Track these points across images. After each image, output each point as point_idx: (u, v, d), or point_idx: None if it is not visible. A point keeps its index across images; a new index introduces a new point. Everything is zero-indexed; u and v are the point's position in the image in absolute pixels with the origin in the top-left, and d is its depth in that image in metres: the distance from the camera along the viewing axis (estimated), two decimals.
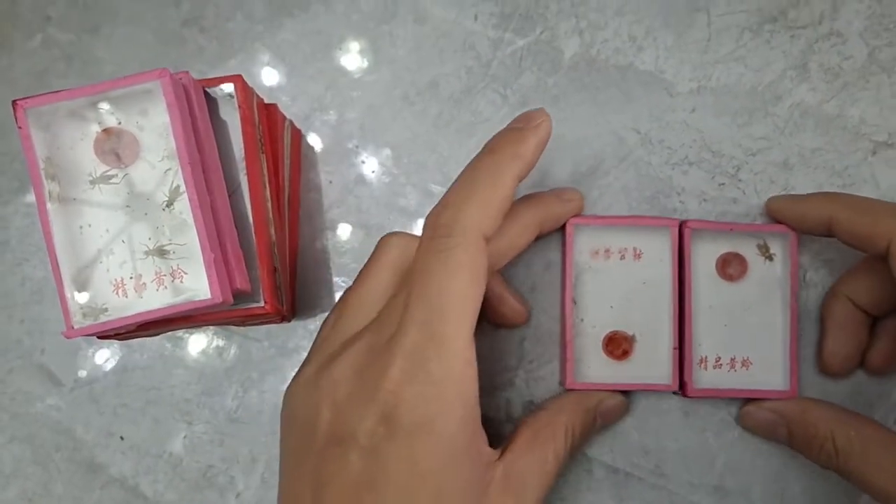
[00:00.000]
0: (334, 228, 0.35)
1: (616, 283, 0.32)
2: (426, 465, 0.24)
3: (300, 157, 0.34)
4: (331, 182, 0.35)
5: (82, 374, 0.35)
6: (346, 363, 0.25)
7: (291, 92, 0.35)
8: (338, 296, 0.35)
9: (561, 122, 0.35)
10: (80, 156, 0.26)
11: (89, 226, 0.26)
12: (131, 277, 0.26)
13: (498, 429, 0.34)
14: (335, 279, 0.35)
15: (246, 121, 0.27)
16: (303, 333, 0.35)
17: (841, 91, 0.34)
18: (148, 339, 0.34)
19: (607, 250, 0.33)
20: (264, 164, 0.28)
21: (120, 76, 0.34)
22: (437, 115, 0.35)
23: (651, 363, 0.32)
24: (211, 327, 0.35)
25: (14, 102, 0.25)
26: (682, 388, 0.32)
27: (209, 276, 0.24)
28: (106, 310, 0.25)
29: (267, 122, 0.29)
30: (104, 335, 0.27)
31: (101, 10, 0.35)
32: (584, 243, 0.33)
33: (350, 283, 0.29)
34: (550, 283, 0.34)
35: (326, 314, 0.34)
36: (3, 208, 0.35)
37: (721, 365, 0.32)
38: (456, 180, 0.26)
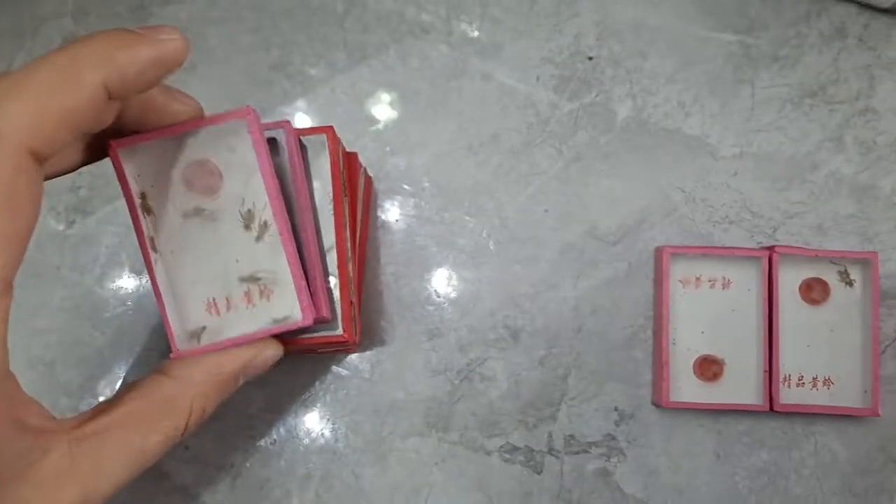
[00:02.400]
0: (398, 265, 0.38)
1: (706, 310, 0.35)
2: None
3: (370, 199, 0.37)
4: (397, 221, 0.38)
5: None
6: None
7: (366, 138, 0.38)
8: (399, 326, 0.37)
9: (612, 177, 0.37)
10: (171, 190, 0.27)
11: (184, 257, 0.27)
12: (225, 298, 0.28)
13: (540, 460, 0.36)
14: (393, 312, 0.37)
15: (335, 167, 0.30)
16: (359, 361, 0.37)
17: (874, 164, 0.37)
18: None
19: (698, 278, 0.35)
20: (346, 207, 0.31)
21: (210, 112, 0.38)
22: (498, 165, 0.38)
23: (740, 385, 0.35)
24: None
25: (108, 143, 0.26)
26: (770, 404, 0.34)
27: (301, 300, 0.27)
28: (204, 328, 0.28)
29: (348, 168, 0.32)
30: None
31: (200, 50, 0.39)
32: (677, 271, 0.35)
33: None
34: (596, 324, 0.37)
35: (385, 344, 0.37)
36: (96, 227, 0.38)
37: (804, 384, 0.35)
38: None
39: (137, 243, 0.27)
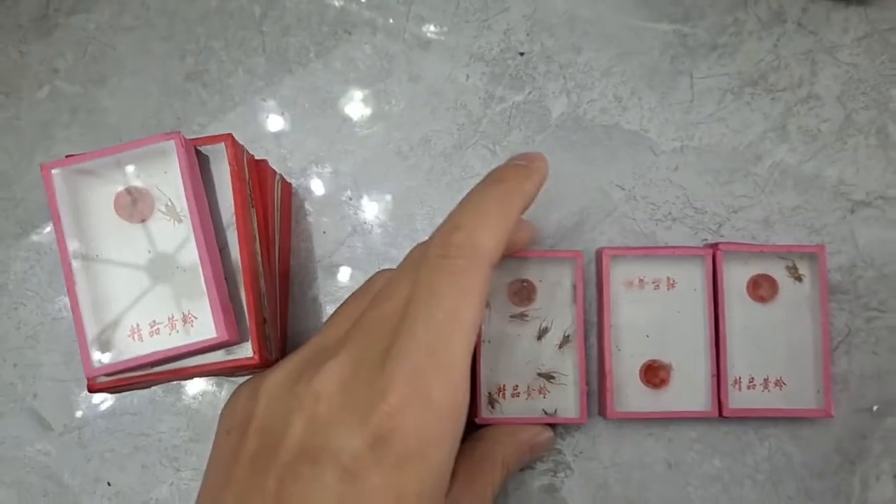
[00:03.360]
0: (326, 279, 0.36)
1: (651, 312, 0.33)
2: (410, 497, 0.22)
3: (290, 209, 0.35)
4: (324, 233, 0.36)
5: (72, 419, 0.35)
6: (330, 375, 0.23)
7: (289, 146, 0.36)
8: None
9: (548, 178, 0.36)
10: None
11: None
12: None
13: None
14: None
15: (236, 177, 0.28)
16: None
17: (819, 152, 0.36)
18: None
19: (641, 280, 0.33)
20: (254, 219, 0.29)
21: (124, 128, 0.36)
22: (429, 170, 0.36)
23: (688, 390, 0.33)
24: None
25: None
26: (719, 410, 0.32)
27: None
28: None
29: (257, 177, 0.30)
30: (101, 388, 0.27)
31: (109, 62, 0.37)
32: (619, 273, 0.33)
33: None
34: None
35: None
36: (4, 252, 0.36)
37: (755, 385, 0.33)
38: (461, 204, 0.26)
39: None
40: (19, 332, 0.36)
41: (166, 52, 0.37)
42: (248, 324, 0.27)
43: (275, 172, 0.33)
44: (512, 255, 0.32)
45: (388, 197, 0.36)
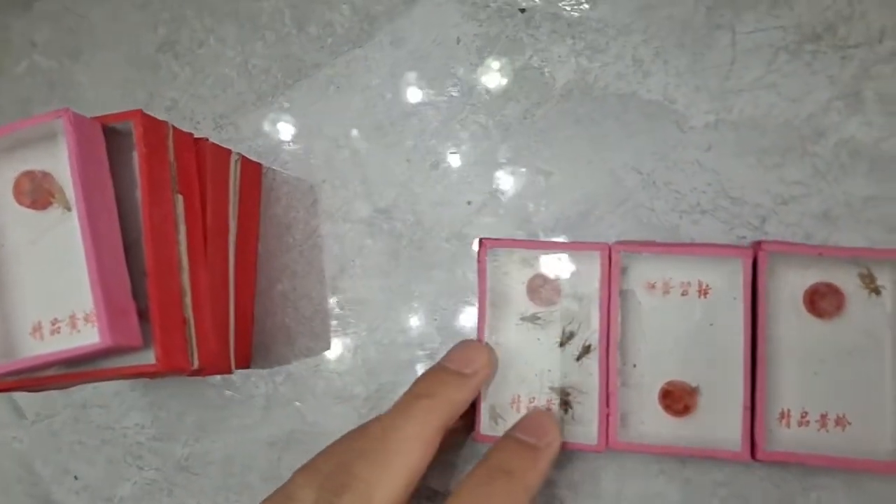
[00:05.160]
0: (296, 270, 0.32)
1: (676, 324, 0.27)
2: None
3: (259, 191, 0.32)
4: (295, 218, 0.32)
5: (44, 407, 0.34)
6: None
7: (259, 122, 0.33)
8: (299, 343, 0.32)
9: (549, 159, 0.30)
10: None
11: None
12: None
13: None
14: (290, 326, 0.32)
15: (145, 159, 0.25)
16: (256, 381, 0.32)
17: None
18: None
19: (666, 283, 0.27)
20: (180, 205, 0.26)
21: (101, 104, 0.34)
22: (412, 149, 0.31)
23: (719, 422, 0.26)
24: None
25: None
26: (751, 451, 0.26)
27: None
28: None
29: (196, 157, 0.27)
30: (9, 387, 0.25)
31: (84, 33, 0.35)
32: (637, 274, 0.27)
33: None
34: None
35: (284, 365, 0.31)
36: None
37: (808, 422, 0.26)
38: (370, 437, 0.24)
39: None
40: None
41: (139, 22, 0.34)
42: (151, 325, 0.24)
43: (229, 152, 0.30)
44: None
45: (366, 179, 0.31)
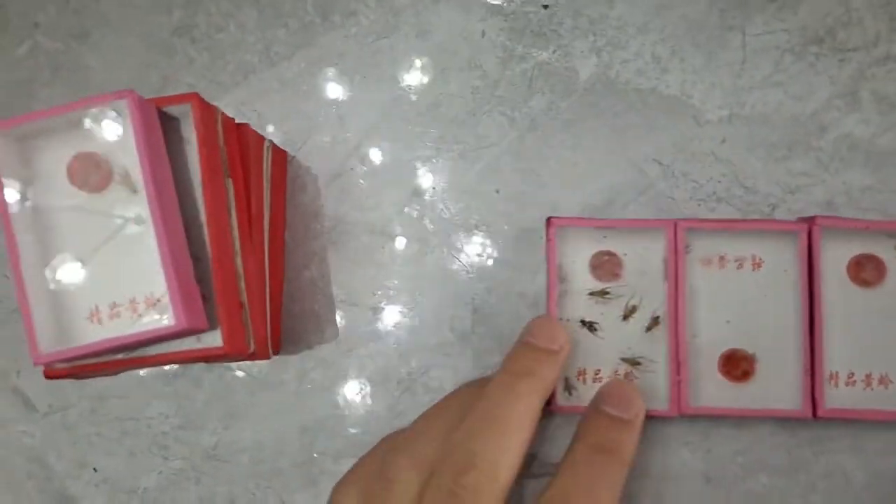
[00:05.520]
0: (325, 256, 0.32)
1: (733, 296, 0.29)
2: None
3: (285, 179, 0.32)
4: (322, 206, 0.32)
5: (57, 399, 0.33)
6: None
7: (282, 110, 0.33)
8: (329, 329, 0.32)
9: (573, 149, 0.31)
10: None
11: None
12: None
13: None
14: (321, 312, 0.32)
15: (203, 143, 0.25)
16: (283, 367, 0.32)
17: None
18: None
19: (722, 258, 0.29)
20: (231, 189, 0.26)
21: (109, 88, 0.33)
22: (439, 138, 0.32)
23: (776, 385, 0.29)
24: None
25: None
26: (813, 409, 0.28)
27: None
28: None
29: (238, 143, 0.27)
30: (59, 374, 0.25)
31: (91, 15, 0.33)
32: (696, 249, 0.29)
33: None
34: None
35: (315, 350, 0.32)
36: None
37: (854, 382, 0.29)
38: (478, 419, 0.25)
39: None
40: (1, 305, 0.34)
41: (152, 4, 0.33)
42: (216, 308, 0.24)
43: (263, 138, 0.30)
44: None
45: (393, 168, 0.32)
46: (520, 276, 0.31)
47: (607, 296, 0.29)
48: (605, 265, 0.29)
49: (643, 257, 0.29)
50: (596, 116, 0.31)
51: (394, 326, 0.32)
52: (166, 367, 0.33)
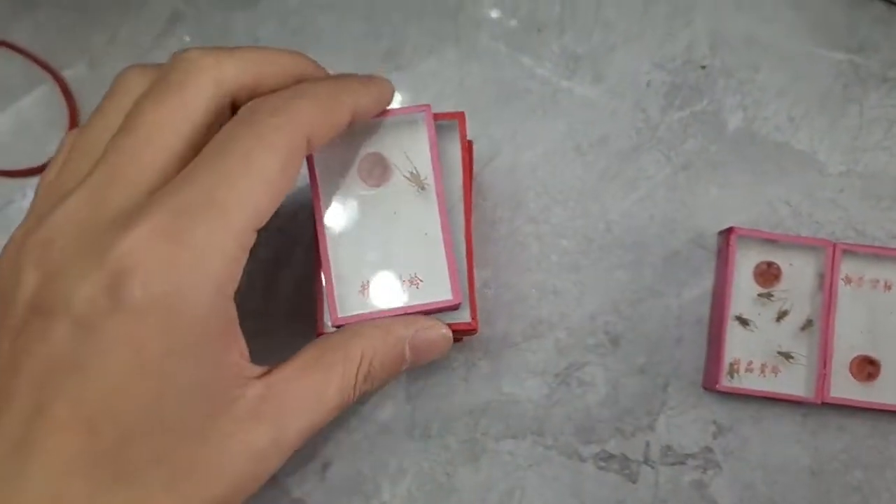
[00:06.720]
0: (498, 261, 0.37)
1: (864, 311, 0.35)
2: (153, 352, 0.19)
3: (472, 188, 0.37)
4: (501, 217, 0.37)
5: None
6: (63, 216, 0.20)
7: (472, 132, 0.38)
8: (498, 325, 0.37)
9: (720, 186, 0.37)
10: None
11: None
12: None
13: (636, 470, 0.36)
14: (490, 310, 0.37)
15: (466, 151, 0.30)
16: (456, 355, 0.36)
17: None
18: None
19: (860, 278, 0.35)
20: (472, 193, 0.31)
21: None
22: (605, 168, 0.38)
23: (894, 387, 0.35)
24: None
25: None
26: None
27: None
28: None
29: (469, 155, 0.32)
30: None
31: (309, 35, 0.38)
32: (844, 268, 0.35)
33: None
34: (698, 335, 0.36)
35: (483, 342, 0.36)
36: None
37: None
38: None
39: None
40: None
41: (363, 32, 0.38)
42: (467, 290, 0.29)
43: (471, 143, 0.35)
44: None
45: (564, 190, 0.37)
46: (667, 291, 0.37)
47: (772, 298, 0.35)
48: (767, 273, 0.35)
49: (801, 270, 0.35)
50: (739, 161, 0.38)
51: (554, 326, 0.37)
52: None
